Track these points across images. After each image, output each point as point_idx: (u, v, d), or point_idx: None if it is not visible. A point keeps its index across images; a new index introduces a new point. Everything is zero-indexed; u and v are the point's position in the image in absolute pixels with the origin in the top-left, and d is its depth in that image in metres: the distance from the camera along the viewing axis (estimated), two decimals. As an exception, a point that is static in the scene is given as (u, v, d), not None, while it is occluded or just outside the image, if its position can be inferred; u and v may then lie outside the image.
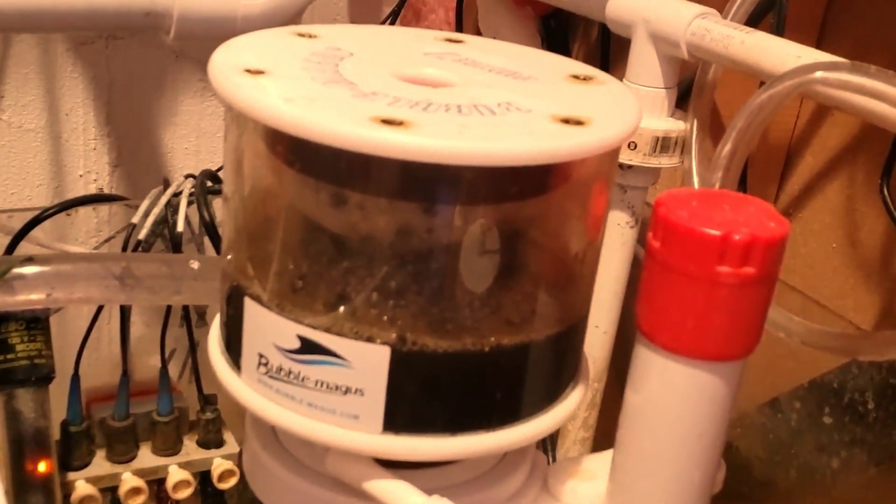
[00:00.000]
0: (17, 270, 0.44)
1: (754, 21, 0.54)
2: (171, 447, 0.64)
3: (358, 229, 0.36)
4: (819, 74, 0.38)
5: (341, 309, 0.36)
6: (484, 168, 0.33)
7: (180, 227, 0.59)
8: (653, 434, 0.39)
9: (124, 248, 0.58)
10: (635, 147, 0.55)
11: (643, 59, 0.55)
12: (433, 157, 0.31)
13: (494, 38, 0.77)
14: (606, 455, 0.44)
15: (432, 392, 0.37)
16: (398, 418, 0.36)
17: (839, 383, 0.56)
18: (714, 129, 0.63)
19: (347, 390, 0.36)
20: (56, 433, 0.62)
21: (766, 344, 0.37)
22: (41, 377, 0.54)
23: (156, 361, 0.66)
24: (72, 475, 0.61)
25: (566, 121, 0.35)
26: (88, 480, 0.61)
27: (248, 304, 0.38)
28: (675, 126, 0.56)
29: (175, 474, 0.63)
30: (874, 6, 0.57)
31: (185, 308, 0.65)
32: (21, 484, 0.55)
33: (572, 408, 0.41)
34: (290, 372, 0.37)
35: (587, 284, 0.41)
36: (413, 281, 0.35)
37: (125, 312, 0.63)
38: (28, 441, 0.55)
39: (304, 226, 0.37)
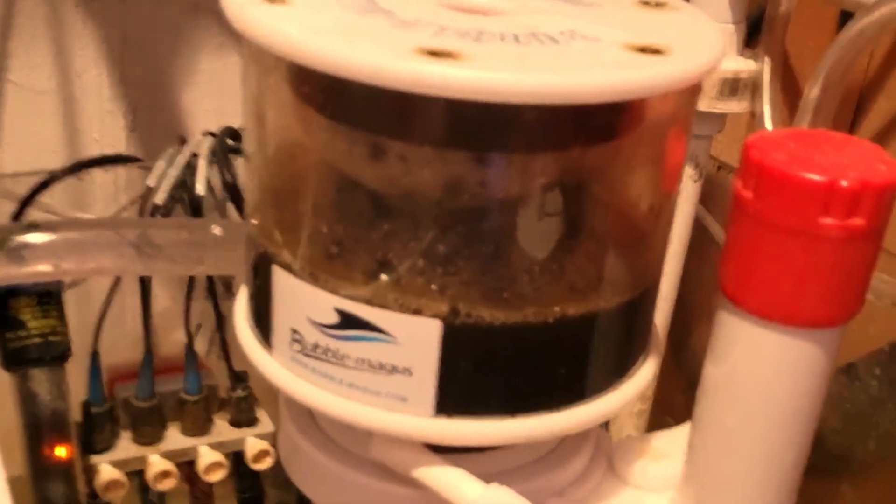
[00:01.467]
0: (19, 238, 0.40)
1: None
2: (200, 427, 0.61)
3: (400, 184, 0.31)
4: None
5: (384, 277, 0.31)
6: (546, 107, 0.28)
7: (200, 189, 0.55)
8: (739, 411, 0.34)
9: (140, 214, 0.54)
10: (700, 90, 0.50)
11: None
12: (493, 93, 0.26)
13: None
14: (678, 433, 0.40)
15: (489, 370, 0.32)
16: (451, 400, 0.32)
17: (926, 347, 0.51)
18: (784, 70, 0.58)
19: (394, 369, 0.32)
20: (77, 415, 0.58)
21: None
22: (56, 355, 0.50)
23: (181, 336, 0.62)
24: (95, 458, 0.57)
25: (642, 49, 0.30)
26: (113, 464, 0.57)
27: (278, 273, 0.33)
28: (745, 66, 0.51)
29: (206, 455, 0.59)
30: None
31: (210, 278, 0.61)
32: (39, 470, 0.52)
33: (643, 384, 0.36)
34: (327, 349, 0.32)
35: (661, 244, 0.36)
36: (465, 244, 0.31)
37: (146, 284, 0.59)
38: (45, 424, 0.51)
39: (339, 182, 0.33)
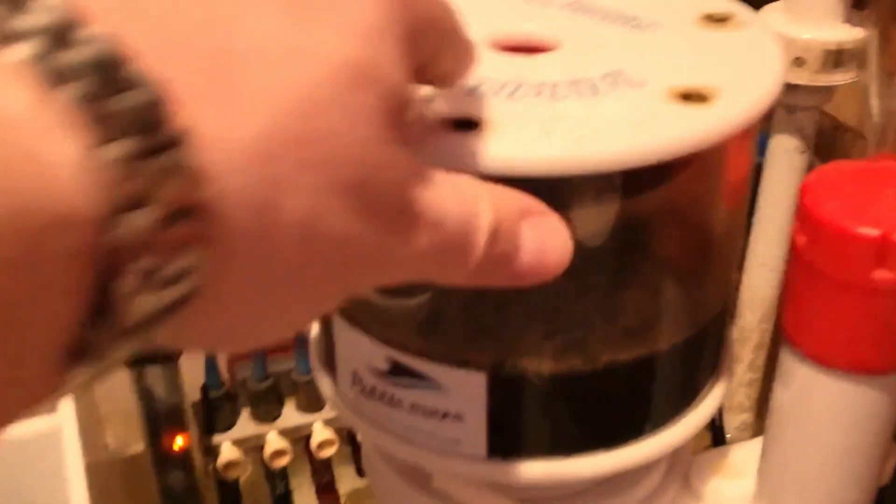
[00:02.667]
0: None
1: None
2: (313, 404, 0.64)
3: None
4: None
5: (430, 330, 0.32)
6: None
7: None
8: (800, 446, 0.33)
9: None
10: (803, 63, 0.48)
11: None
12: (510, 170, 0.26)
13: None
14: (754, 447, 0.39)
15: (538, 416, 0.33)
16: (503, 443, 0.33)
17: None
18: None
19: (445, 415, 0.32)
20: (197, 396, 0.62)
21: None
22: (169, 354, 0.54)
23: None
24: (217, 437, 0.61)
25: (686, 97, 0.28)
26: (234, 442, 0.61)
27: (338, 321, 0.34)
28: (850, 35, 0.47)
29: (318, 432, 0.63)
30: None
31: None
32: (160, 460, 0.56)
33: (710, 412, 0.36)
34: (384, 394, 0.34)
35: (725, 268, 0.35)
36: (508, 299, 0.31)
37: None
38: (162, 418, 0.55)
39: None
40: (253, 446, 0.62)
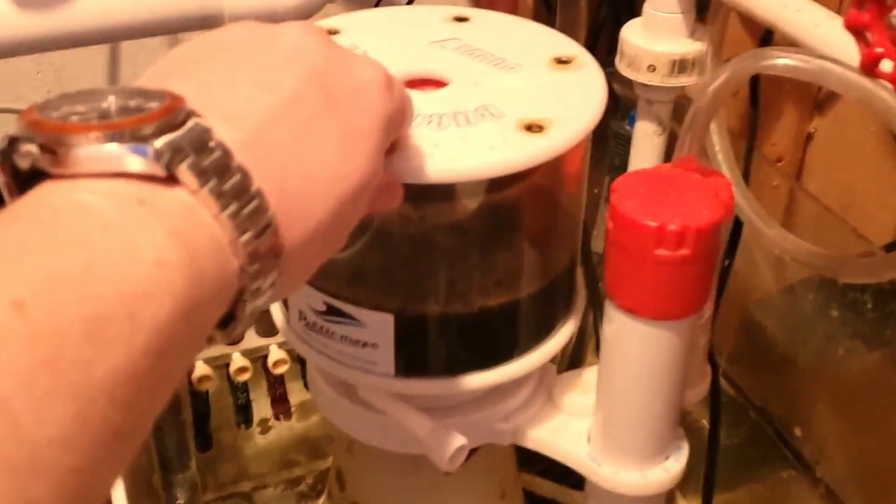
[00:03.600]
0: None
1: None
2: (269, 330, 0.76)
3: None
4: (780, 62, 0.42)
5: (357, 282, 0.45)
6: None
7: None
8: (619, 370, 0.46)
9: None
10: (654, 69, 0.60)
11: None
12: (409, 178, 0.38)
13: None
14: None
15: (432, 346, 0.46)
16: (406, 365, 0.46)
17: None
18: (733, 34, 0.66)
19: (365, 344, 0.45)
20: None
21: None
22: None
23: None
24: (191, 357, 0.74)
25: (529, 127, 0.41)
26: (205, 361, 0.74)
27: (286, 273, 0.47)
28: (691, 48, 0.59)
29: (274, 353, 0.75)
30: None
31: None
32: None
33: (563, 340, 0.49)
34: (321, 328, 0.46)
35: (569, 235, 0.48)
36: (409, 261, 0.44)
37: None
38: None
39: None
40: (220, 364, 0.75)
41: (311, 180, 0.29)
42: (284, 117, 0.29)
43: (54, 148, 0.24)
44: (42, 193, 0.24)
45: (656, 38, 0.58)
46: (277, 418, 0.82)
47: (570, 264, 0.49)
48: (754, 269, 0.70)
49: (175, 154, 0.25)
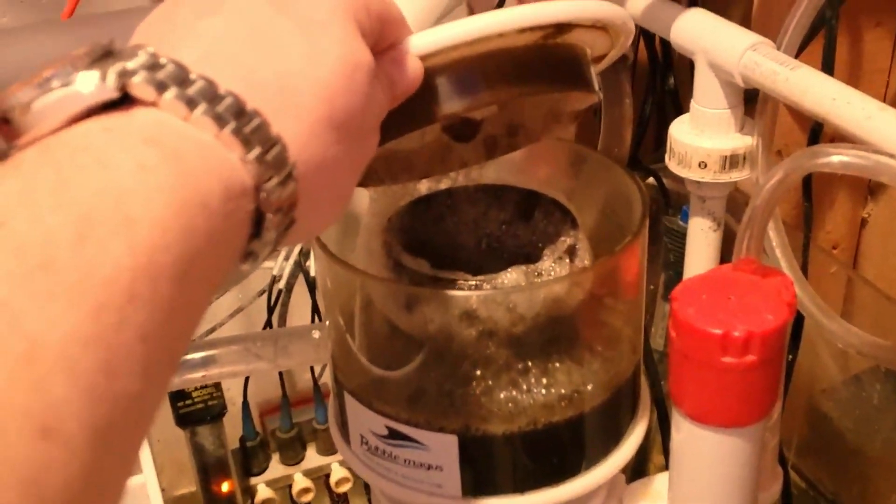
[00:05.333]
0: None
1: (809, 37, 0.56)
2: (330, 448, 0.75)
3: (425, 334, 0.44)
4: (835, 160, 0.42)
5: (417, 404, 0.44)
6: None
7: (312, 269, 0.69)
8: (689, 478, 0.45)
9: (269, 299, 0.69)
10: (705, 166, 0.59)
11: (706, 84, 0.58)
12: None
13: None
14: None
15: (498, 465, 0.45)
16: (473, 486, 0.45)
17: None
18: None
19: (430, 466, 0.45)
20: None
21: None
22: (215, 414, 0.66)
23: (309, 375, 0.77)
24: (253, 480, 0.73)
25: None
26: (267, 484, 0.73)
27: (348, 398, 0.46)
28: (741, 143, 0.59)
29: (336, 471, 0.75)
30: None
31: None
32: (210, 501, 0.68)
33: (631, 451, 0.48)
34: (384, 451, 0.46)
35: (633, 343, 0.47)
36: (468, 379, 0.43)
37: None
38: (211, 468, 0.67)
39: (384, 333, 0.46)
40: (282, 486, 0.75)
41: (287, 76, 0.29)
42: (233, 32, 0.29)
43: (7, 116, 0.24)
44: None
45: (705, 135, 0.57)
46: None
47: (635, 371, 0.48)
48: (817, 360, 0.68)
49: (124, 75, 0.25)
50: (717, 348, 0.40)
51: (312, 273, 0.69)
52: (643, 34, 0.73)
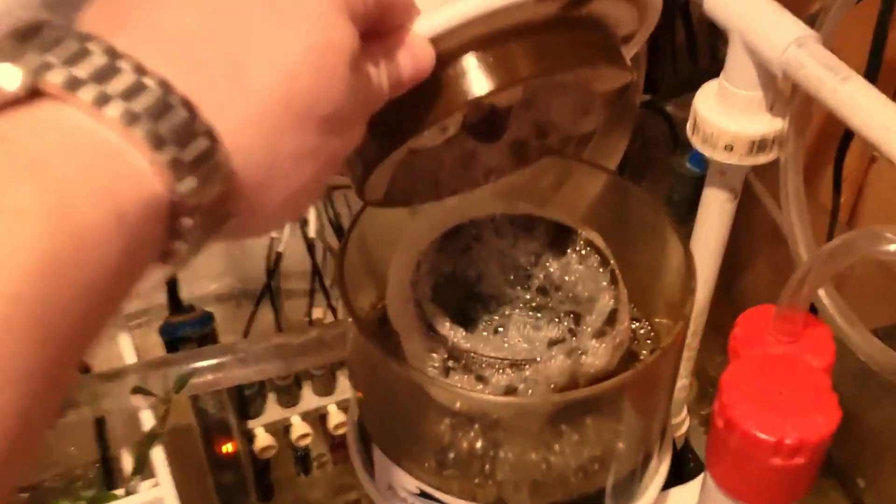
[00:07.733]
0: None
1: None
2: (327, 390, 0.75)
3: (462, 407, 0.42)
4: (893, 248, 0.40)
5: (447, 471, 0.44)
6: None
7: (311, 232, 0.66)
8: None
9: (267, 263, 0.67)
10: (732, 149, 0.56)
11: (739, 64, 0.53)
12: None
13: None
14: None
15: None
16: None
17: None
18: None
19: (459, 529, 0.45)
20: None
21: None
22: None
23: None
24: (251, 423, 0.73)
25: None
26: (265, 428, 0.73)
27: (377, 452, 0.46)
28: (771, 127, 0.54)
29: (334, 414, 0.75)
30: None
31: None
32: (214, 463, 0.68)
33: (656, 493, 0.48)
34: (413, 504, 0.45)
35: (666, 408, 0.47)
36: (506, 453, 0.43)
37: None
38: (214, 430, 0.66)
39: (416, 398, 0.44)
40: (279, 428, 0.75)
41: (241, 58, 0.26)
42: (189, 10, 0.27)
43: None
44: None
45: (733, 116, 0.53)
46: (335, 464, 0.83)
47: (662, 431, 0.48)
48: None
49: (40, 70, 0.23)
50: (767, 452, 0.39)
51: (311, 234, 0.67)
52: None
